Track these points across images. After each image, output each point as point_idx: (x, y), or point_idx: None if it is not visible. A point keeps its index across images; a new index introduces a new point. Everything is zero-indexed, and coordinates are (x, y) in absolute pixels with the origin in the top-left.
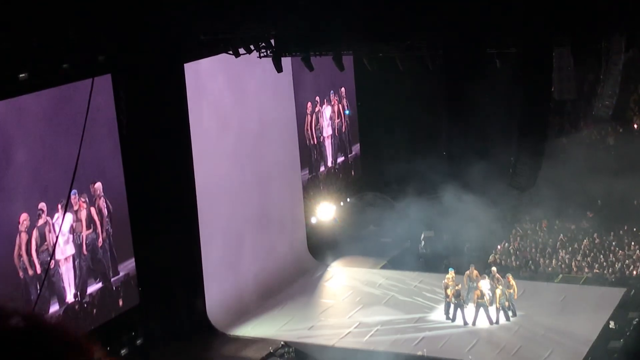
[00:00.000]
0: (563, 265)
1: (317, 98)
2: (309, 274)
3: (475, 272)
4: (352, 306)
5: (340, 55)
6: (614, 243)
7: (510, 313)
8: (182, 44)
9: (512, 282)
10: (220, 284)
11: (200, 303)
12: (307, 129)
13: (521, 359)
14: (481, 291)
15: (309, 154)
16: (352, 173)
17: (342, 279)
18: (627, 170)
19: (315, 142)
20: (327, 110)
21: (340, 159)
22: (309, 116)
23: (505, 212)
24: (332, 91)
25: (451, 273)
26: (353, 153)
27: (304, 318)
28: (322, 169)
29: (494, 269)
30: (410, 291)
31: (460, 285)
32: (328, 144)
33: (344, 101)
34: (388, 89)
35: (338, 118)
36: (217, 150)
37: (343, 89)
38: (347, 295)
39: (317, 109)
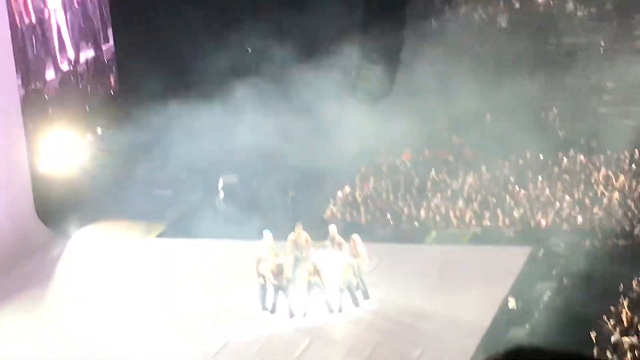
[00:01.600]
0: (438, 217)
1: None
2: (38, 252)
3: (304, 235)
4: (108, 301)
5: None
6: (511, 179)
7: (359, 295)
8: None
9: (360, 248)
10: None
11: None
12: None
13: None
14: (314, 265)
15: (23, 43)
16: (111, 81)
17: (92, 259)
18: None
19: (33, 21)
20: None
21: (86, 54)
22: None
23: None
24: None
25: (267, 238)
26: (109, 44)
27: (30, 332)
28: (51, 75)
29: (333, 229)
30: (204, 270)
31: (281, 258)
32: (62, 24)
33: None
34: None
35: None
36: None
37: None
38: (101, 284)
39: None
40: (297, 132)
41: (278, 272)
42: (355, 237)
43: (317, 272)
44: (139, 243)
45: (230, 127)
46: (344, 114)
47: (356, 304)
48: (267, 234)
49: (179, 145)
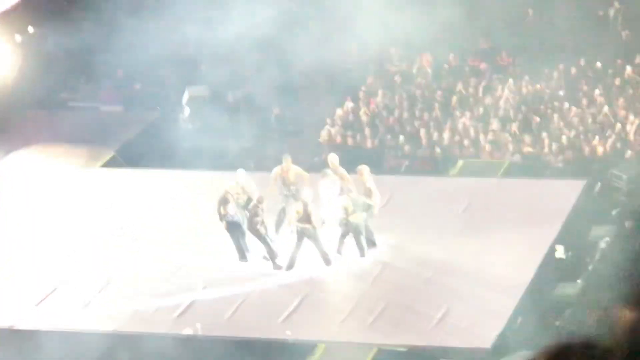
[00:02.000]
0: (466, 142)
1: None
2: None
3: (293, 168)
4: (37, 241)
5: None
6: (560, 93)
7: (363, 243)
8: None
9: (369, 183)
10: None
11: None
12: None
13: (387, 328)
14: (305, 206)
15: None
16: None
17: (19, 193)
18: None
19: None
20: None
21: None
22: None
23: None
24: None
25: (240, 177)
26: None
27: None
28: None
29: (333, 158)
30: (161, 209)
31: (262, 197)
32: None
33: None
34: None
35: None
36: None
37: None
38: (29, 223)
39: None
40: (286, 27)
41: (252, 214)
42: (364, 169)
43: (307, 215)
44: (80, 173)
45: (203, 16)
46: (346, 3)
47: (362, 253)
48: (241, 173)
49: (132, 46)
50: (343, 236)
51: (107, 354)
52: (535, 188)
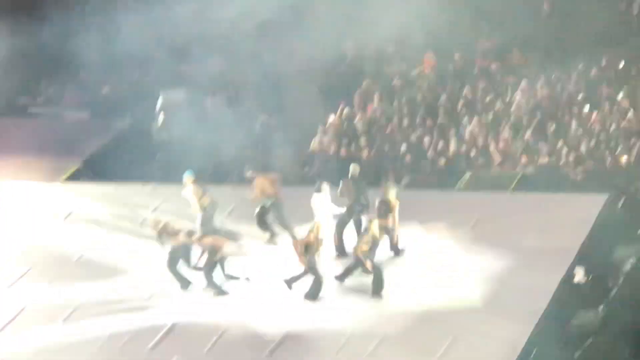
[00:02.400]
0: (473, 152)
1: None
2: None
3: (264, 180)
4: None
5: None
6: (579, 97)
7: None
8: None
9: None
10: None
11: None
12: None
13: None
14: (317, 227)
15: None
16: None
17: None
18: None
19: None
20: None
21: None
22: None
23: None
24: None
25: (188, 184)
26: None
27: None
28: None
29: (354, 169)
30: (133, 226)
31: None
32: None
33: None
34: None
35: None
36: None
37: None
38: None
39: None
40: (273, 23)
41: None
42: (390, 190)
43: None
44: (42, 188)
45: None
46: None
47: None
48: (188, 177)
49: (99, 45)
50: (352, 268)
51: None
52: (551, 203)
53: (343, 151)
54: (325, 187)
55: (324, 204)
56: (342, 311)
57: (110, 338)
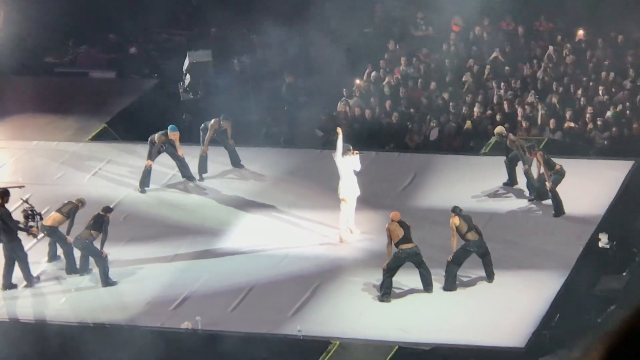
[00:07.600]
0: (499, 116)
1: None
2: None
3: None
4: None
5: None
6: (605, 63)
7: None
8: None
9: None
10: None
11: None
12: None
13: (408, 324)
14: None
15: None
16: None
17: None
18: None
19: None
20: None
21: None
22: None
23: None
24: None
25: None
26: None
27: None
28: None
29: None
30: (152, 190)
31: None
32: None
33: None
34: None
35: None
36: None
37: None
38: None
39: None
40: None
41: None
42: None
43: None
44: (67, 147)
45: None
46: None
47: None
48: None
49: (128, 5)
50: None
51: (91, 348)
52: (576, 168)
53: (368, 114)
54: (349, 149)
55: (350, 166)
56: (368, 265)
57: (131, 299)
